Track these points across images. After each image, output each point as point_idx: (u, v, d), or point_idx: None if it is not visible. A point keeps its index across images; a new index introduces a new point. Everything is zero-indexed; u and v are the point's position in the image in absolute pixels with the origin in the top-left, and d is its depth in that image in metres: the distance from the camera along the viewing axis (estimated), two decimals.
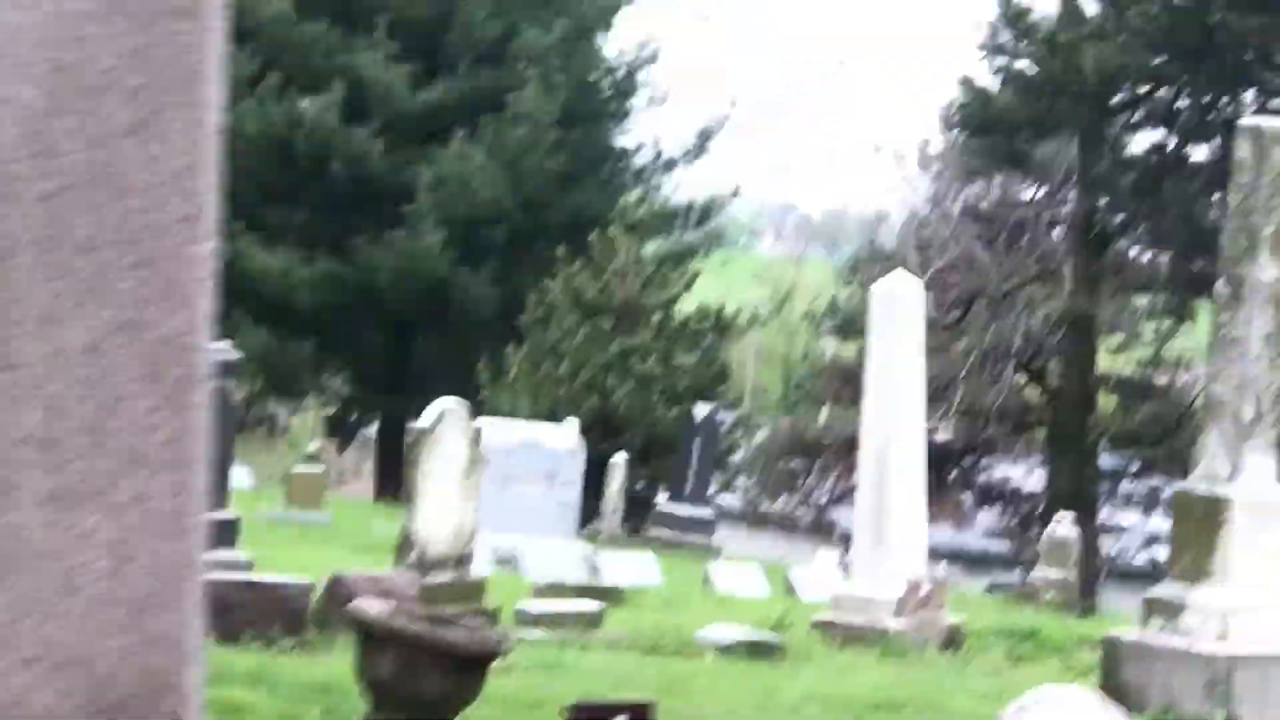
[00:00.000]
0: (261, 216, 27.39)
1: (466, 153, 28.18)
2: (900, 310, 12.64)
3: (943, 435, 30.13)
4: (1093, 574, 31.39)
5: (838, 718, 8.75)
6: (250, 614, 7.93)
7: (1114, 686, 9.37)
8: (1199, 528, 10.24)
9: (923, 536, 12.79)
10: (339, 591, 8.49)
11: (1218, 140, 25.33)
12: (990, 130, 26.64)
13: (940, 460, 31.37)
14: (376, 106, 28.63)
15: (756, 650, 10.54)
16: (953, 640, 11.87)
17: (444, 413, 10.86)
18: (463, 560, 10.64)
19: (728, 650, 10.50)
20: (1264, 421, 10.55)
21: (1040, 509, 29.76)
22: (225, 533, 11.16)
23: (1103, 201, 29.26)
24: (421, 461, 10.58)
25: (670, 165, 32.52)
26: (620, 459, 21.26)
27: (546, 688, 7.71)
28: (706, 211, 31.82)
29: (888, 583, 11.96)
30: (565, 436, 19.36)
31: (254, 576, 9.50)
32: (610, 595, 12.93)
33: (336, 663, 7.19)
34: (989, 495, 33.76)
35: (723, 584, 15.94)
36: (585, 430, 20.62)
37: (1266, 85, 24.48)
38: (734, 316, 29.30)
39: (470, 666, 5.49)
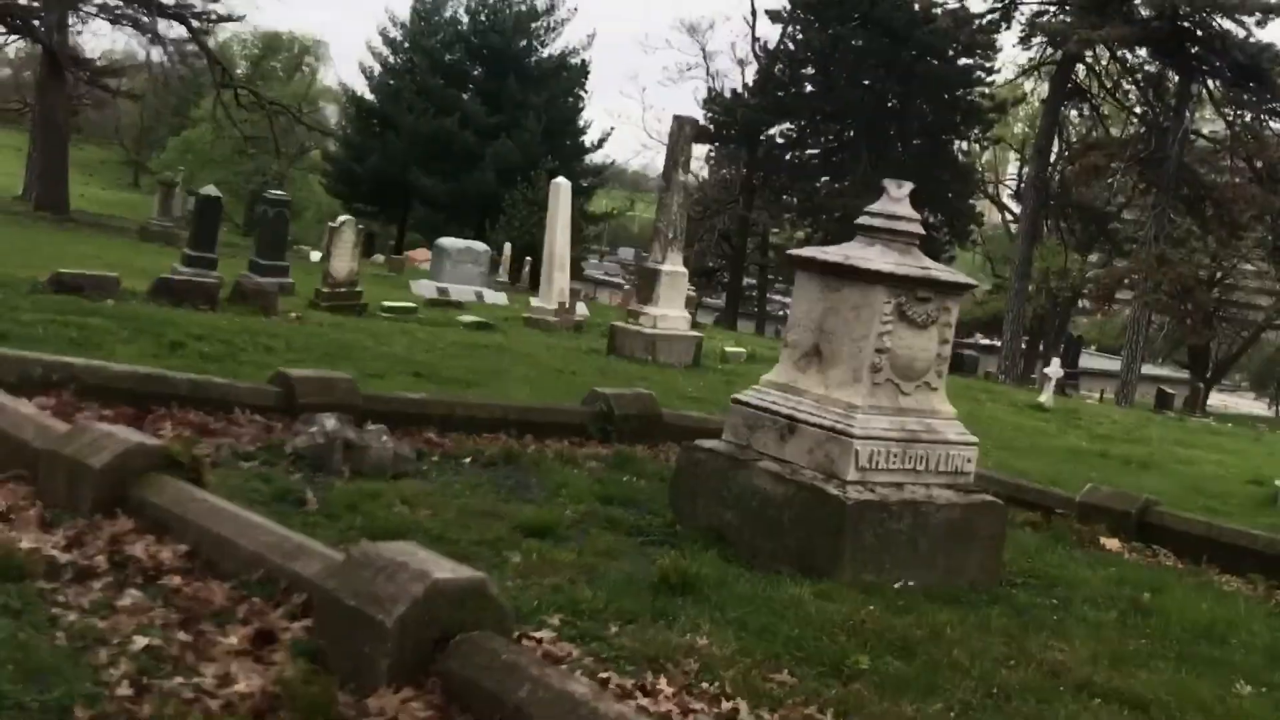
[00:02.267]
0: None
1: None
2: None
3: None
4: None
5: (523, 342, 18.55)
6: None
7: (613, 347, 18.61)
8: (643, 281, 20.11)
9: (566, 281, 23.63)
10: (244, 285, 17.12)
11: None
12: None
13: None
14: None
15: (485, 327, 19.87)
16: (580, 326, 22.69)
17: (344, 220, 21.67)
18: (353, 283, 20.44)
19: (472, 326, 19.62)
20: None
21: None
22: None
23: None
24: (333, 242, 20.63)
25: None
26: None
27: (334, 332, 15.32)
28: None
29: (551, 302, 22.88)
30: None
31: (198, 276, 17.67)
32: (452, 305, 24.27)
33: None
34: None
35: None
36: None
37: None
38: None
39: None
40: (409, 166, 53.20)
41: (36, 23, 36.80)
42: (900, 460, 6.83)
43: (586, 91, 58.55)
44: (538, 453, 8.52)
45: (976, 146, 58.64)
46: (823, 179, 55.23)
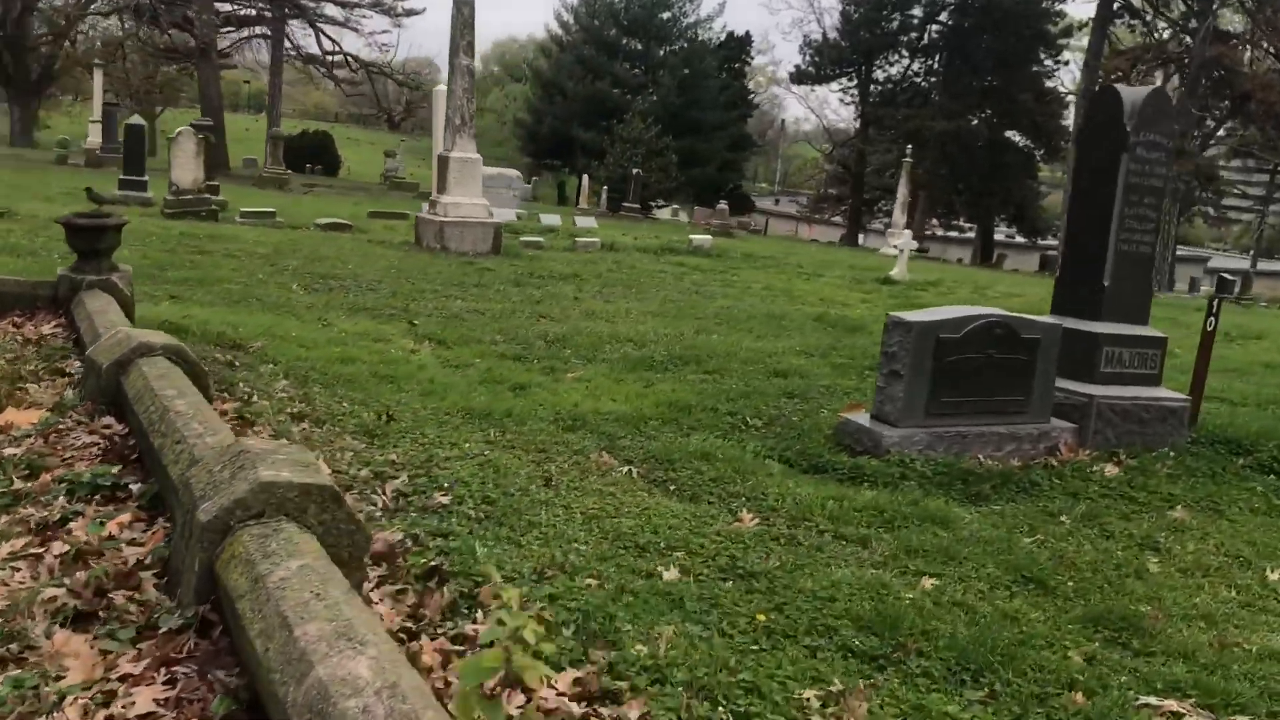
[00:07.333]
0: None
1: None
2: None
3: None
4: None
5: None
6: None
7: (416, 237, 15.21)
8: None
9: None
10: None
11: None
12: None
13: None
14: None
15: (340, 227, 16.76)
16: None
17: (180, 131, 17.12)
18: (201, 191, 17.08)
19: (326, 227, 16.61)
20: None
21: None
22: None
23: None
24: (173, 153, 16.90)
25: None
26: None
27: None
28: None
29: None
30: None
31: None
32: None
33: None
34: None
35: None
36: None
37: None
38: None
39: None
40: (572, 124, 50.69)
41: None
42: None
43: (751, 58, 57.03)
44: None
45: (1059, 68, 50.50)
46: (909, 106, 48.49)
